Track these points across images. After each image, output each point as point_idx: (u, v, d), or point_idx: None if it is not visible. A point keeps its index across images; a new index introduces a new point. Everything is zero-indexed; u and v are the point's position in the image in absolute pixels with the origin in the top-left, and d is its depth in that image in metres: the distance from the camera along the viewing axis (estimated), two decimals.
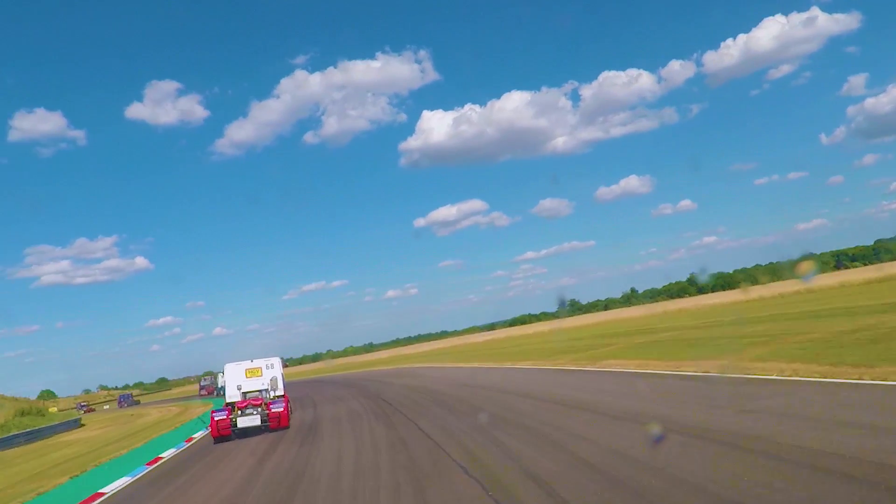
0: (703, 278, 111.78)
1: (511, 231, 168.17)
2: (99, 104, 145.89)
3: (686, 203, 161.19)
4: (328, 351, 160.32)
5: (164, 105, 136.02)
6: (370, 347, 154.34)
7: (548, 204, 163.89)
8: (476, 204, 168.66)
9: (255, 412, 19.78)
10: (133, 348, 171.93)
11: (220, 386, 62.18)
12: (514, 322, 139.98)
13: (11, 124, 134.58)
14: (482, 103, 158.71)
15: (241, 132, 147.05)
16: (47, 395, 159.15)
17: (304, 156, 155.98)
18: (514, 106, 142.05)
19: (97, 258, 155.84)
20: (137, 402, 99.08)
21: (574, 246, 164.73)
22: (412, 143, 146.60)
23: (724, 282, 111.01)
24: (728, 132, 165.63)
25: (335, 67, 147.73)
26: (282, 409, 20.02)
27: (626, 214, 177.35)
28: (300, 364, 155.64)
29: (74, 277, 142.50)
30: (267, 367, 21.83)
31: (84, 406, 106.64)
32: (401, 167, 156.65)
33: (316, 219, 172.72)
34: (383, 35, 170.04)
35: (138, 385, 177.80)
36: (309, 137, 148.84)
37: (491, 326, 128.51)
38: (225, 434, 19.53)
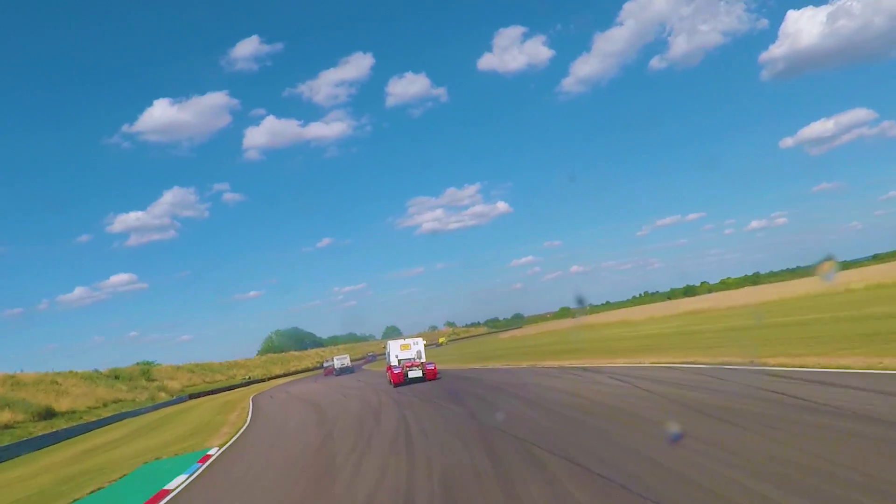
0: None
1: None
2: (455, 61, 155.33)
3: None
4: (703, 283, 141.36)
5: (511, 51, 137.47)
6: (756, 278, 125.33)
7: None
8: (860, 114, 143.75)
9: (417, 369, 31.20)
10: (499, 287, 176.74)
11: (337, 367, 75.45)
12: None
13: (388, 91, 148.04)
14: None
15: (585, 67, 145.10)
16: (391, 330, 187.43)
17: (650, 83, 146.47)
18: None
19: (464, 205, 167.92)
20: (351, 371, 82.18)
21: None
22: (775, 51, 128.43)
23: None
24: None
25: None
26: (432, 368, 31.45)
27: None
28: (662, 299, 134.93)
29: (448, 224, 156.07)
30: (414, 344, 34.30)
31: None
32: (762, 81, 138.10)
33: (666, 148, 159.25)
34: None
35: (491, 322, 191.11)
36: (655, 63, 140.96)
37: None
38: (401, 381, 30.58)
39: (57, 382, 54.12)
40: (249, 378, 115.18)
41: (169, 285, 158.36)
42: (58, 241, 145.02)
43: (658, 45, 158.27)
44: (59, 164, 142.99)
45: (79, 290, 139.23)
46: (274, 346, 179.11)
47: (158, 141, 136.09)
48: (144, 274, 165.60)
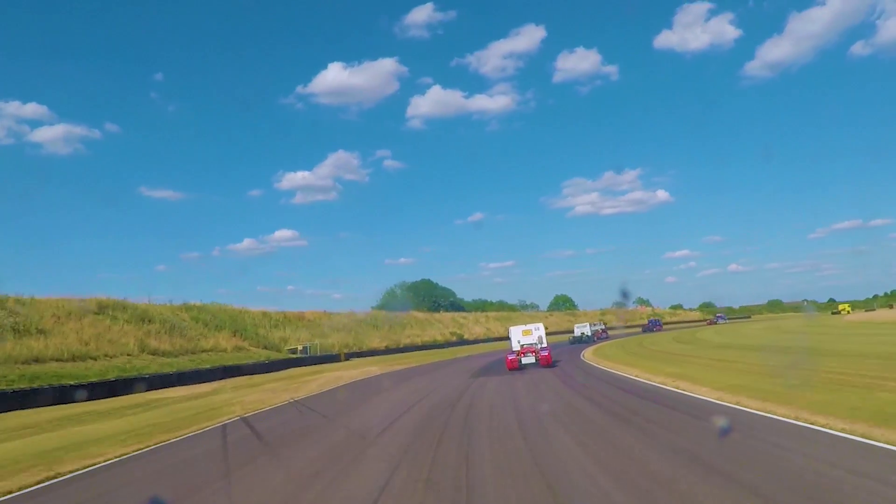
0: None
1: None
2: (630, 37, 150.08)
3: None
4: None
5: (693, 29, 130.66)
6: None
7: None
8: None
9: (531, 356, 31.22)
10: (649, 278, 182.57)
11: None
12: None
13: (556, 66, 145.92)
14: None
15: (774, 51, 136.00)
16: (561, 300, 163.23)
17: (848, 72, 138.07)
18: None
19: (623, 190, 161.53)
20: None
21: None
22: None
23: None
24: None
25: None
26: (546, 354, 31.00)
27: None
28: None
29: (602, 208, 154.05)
30: (535, 329, 33.58)
31: None
32: None
33: (856, 145, 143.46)
34: None
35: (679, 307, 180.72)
36: (857, 49, 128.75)
37: None
38: (515, 367, 30.54)
39: None
40: (301, 350, 56.57)
41: (327, 245, 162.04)
42: (233, 193, 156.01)
43: (864, 28, 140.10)
44: (239, 121, 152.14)
45: (247, 241, 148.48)
46: (397, 302, 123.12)
47: (329, 104, 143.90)
48: (306, 231, 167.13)
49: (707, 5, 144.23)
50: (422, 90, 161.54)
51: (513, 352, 31.97)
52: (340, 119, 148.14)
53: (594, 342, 59.10)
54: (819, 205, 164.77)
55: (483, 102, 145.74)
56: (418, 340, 78.80)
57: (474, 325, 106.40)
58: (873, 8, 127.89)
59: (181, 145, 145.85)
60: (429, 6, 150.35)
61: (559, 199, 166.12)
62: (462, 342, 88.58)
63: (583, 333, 63.91)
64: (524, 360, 31.02)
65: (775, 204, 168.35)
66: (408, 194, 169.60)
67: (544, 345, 32.63)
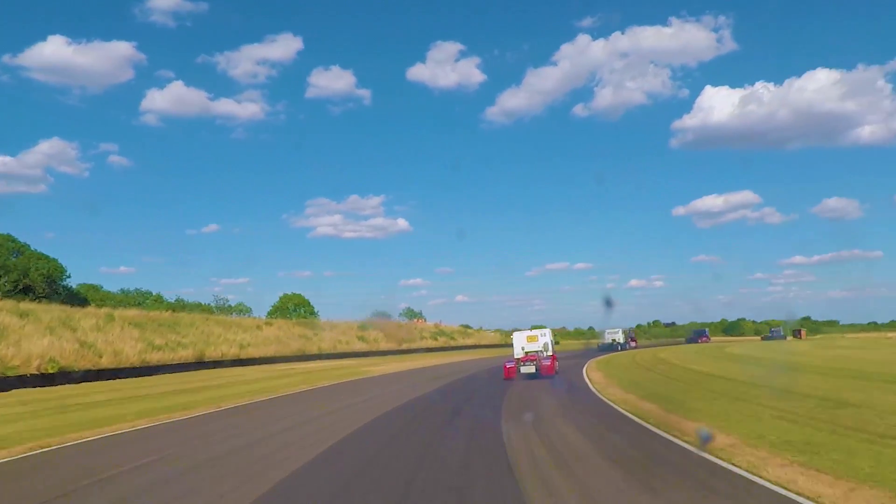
0: None
1: (782, 230, 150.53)
2: (385, 64, 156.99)
3: None
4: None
5: (444, 67, 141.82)
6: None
7: (833, 203, 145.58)
8: (747, 196, 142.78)
9: (531, 364, 29.22)
10: (386, 304, 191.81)
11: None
12: None
13: (310, 81, 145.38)
14: (778, 81, 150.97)
15: (512, 100, 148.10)
16: (299, 302, 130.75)
17: (570, 129, 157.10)
18: (817, 86, 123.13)
19: (365, 215, 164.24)
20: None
21: (855, 254, 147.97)
22: (687, 121, 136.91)
23: None
24: None
25: (622, 33, 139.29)
26: (549, 363, 29.19)
27: None
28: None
29: (344, 231, 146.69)
30: (541, 336, 31.91)
31: None
32: (670, 148, 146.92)
33: (570, 195, 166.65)
34: None
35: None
36: (578, 110, 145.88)
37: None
38: (512, 376, 28.99)
39: None
40: None
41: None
42: None
43: (585, 92, 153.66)
44: None
45: None
46: None
47: (45, 82, 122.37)
48: (2, 227, 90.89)
49: (458, 46, 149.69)
50: (161, 83, 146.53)
51: (513, 359, 30.68)
52: (58, 102, 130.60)
53: (626, 348, 64.89)
54: (535, 246, 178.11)
55: (230, 107, 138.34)
56: None
57: (105, 334, 39.61)
58: (594, 75, 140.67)
59: None
60: None
61: (302, 217, 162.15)
62: None
63: (613, 340, 66.55)
64: (523, 370, 29.53)
65: (500, 242, 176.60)
66: (135, 196, 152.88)
67: (549, 353, 31.28)
